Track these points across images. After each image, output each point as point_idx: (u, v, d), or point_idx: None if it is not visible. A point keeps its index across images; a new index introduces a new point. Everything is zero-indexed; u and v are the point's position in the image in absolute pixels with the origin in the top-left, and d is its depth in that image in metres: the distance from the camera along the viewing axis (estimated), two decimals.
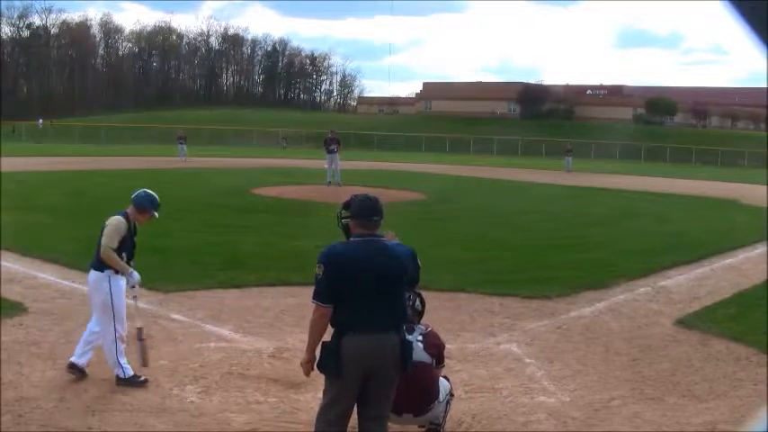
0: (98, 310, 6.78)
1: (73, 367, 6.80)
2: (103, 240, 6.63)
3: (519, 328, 9.06)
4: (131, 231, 6.84)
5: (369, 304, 4.61)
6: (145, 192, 6.93)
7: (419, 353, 5.52)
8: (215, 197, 23.01)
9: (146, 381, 6.74)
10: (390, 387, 4.79)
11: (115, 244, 6.64)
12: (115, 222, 6.70)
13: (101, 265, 6.69)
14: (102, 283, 6.69)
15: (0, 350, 7.45)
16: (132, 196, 6.91)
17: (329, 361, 4.61)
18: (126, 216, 6.79)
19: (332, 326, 4.71)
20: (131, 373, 6.74)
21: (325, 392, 4.83)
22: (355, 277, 4.60)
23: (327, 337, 4.74)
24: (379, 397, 4.77)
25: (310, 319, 4.78)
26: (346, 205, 4.89)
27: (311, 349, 4.76)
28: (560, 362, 7.80)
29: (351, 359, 4.56)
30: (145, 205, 6.86)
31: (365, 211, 4.75)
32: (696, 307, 10.28)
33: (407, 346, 4.84)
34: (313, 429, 4.89)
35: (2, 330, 8.10)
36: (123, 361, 6.73)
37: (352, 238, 4.80)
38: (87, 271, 6.90)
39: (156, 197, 6.96)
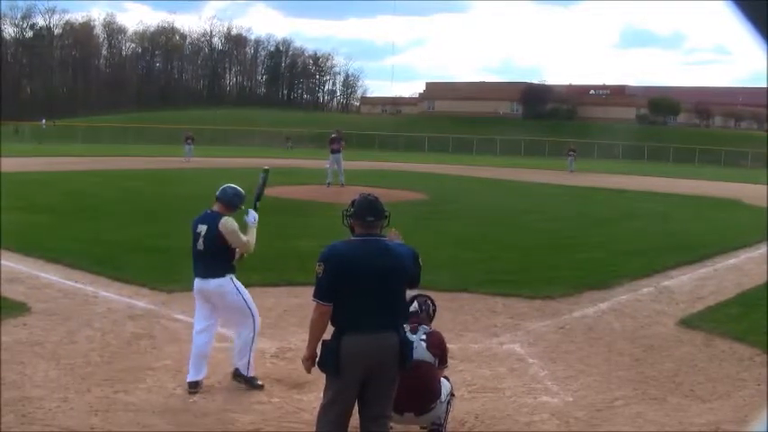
0: (233, 311, 6.88)
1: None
2: (243, 241, 6.72)
3: (522, 328, 9.06)
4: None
5: (369, 303, 4.63)
6: (232, 189, 6.90)
7: (422, 352, 5.54)
8: None
9: (262, 386, 6.73)
10: (391, 386, 4.81)
11: (243, 237, 6.77)
12: (231, 224, 6.67)
13: (221, 271, 6.73)
14: (228, 286, 6.76)
15: (2, 350, 7.46)
16: (218, 194, 6.84)
17: (329, 359, 4.64)
18: (227, 214, 6.77)
19: (332, 324, 4.74)
20: (253, 374, 6.77)
21: (325, 391, 4.85)
22: (355, 276, 4.63)
23: (328, 335, 4.77)
24: (380, 396, 4.78)
25: (311, 317, 4.80)
26: (352, 204, 4.91)
27: (312, 347, 4.80)
28: (563, 362, 7.80)
29: (350, 358, 4.59)
30: (235, 203, 6.86)
31: (361, 210, 4.79)
32: (699, 307, 10.27)
33: (407, 346, 4.85)
34: (315, 429, 4.90)
35: (6, 330, 8.11)
36: (253, 360, 6.76)
37: (352, 238, 4.84)
38: (204, 278, 6.78)
39: (242, 191, 6.95)
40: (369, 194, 4.99)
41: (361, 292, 4.63)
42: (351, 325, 4.64)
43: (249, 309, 6.85)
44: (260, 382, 6.77)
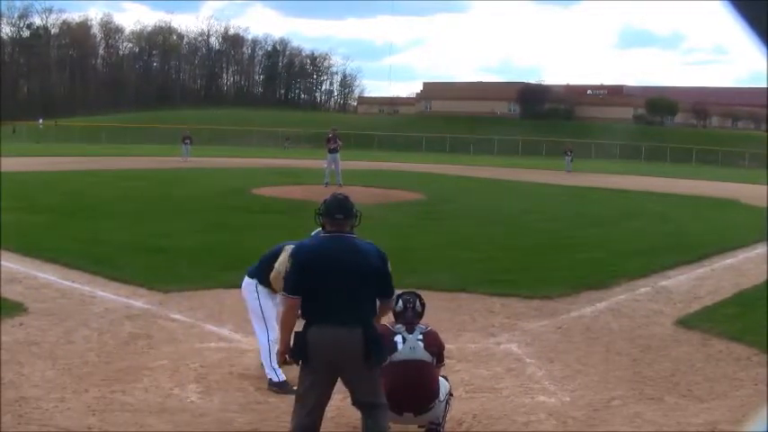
0: (250, 314, 7.08)
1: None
2: (278, 266, 6.74)
3: (519, 328, 9.05)
4: None
5: (333, 298, 4.81)
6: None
7: (420, 352, 5.56)
8: (215, 197, 23.03)
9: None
10: (364, 378, 4.91)
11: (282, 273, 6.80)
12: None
13: (253, 273, 7.00)
14: (251, 288, 6.97)
15: (0, 350, 7.45)
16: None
17: (298, 349, 4.88)
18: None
19: (302, 317, 4.96)
20: (284, 378, 6.75)
21: (299, 383, 5.04)
22: (320, 272, 4.84)
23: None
24: (359, 387, 4.96)
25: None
26: (323, 203, 5.11)
27: (284, 339, 5.06)
28: (561, 362, 7.80)
29: (315, 348, 4.79)
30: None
31: (329, 209, 5.01)
32: (696, 307, 10.28)
33: (373, 342, 4.88)
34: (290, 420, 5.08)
35: (3, 330, 8.09)
36: (276, 365, 6.68)
37: (321, 234, 5.10)
38: (246, 273, 7.17)
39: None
40: (339, 193, 5.21)
41: (326, 287, 4.82)
42: (316, 318, 4.85)
43: (263, 317, 6.88)
44: (295, 388, 6.69)
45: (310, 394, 4.91)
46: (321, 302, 4.83)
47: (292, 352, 4.95)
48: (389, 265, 5.04)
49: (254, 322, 7.00)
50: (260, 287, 6.95)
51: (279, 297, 6.86)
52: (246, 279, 7.10)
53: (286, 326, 5.01)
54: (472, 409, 6.36)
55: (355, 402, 5.09)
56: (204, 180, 29.83)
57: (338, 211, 4.98)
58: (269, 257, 6.97)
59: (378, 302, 5.06)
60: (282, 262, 6.73)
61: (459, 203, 24.06)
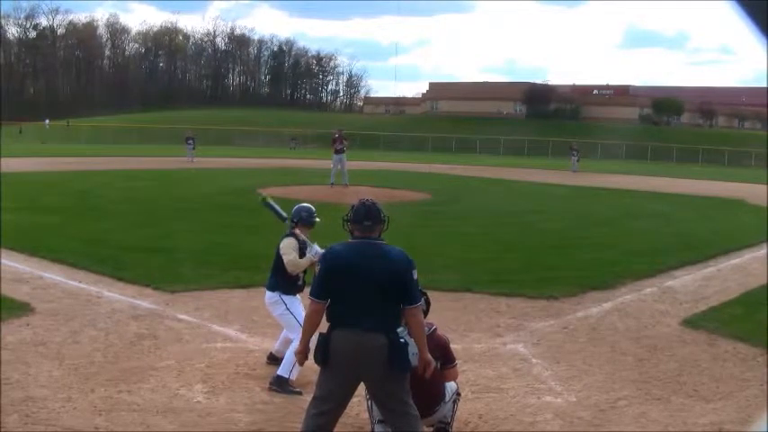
0: (284, 324, 7.19)
1: (272, 358, 7.31)
2: (287, 259, 6.98)
3: (525, 328, 9.05)
4: (302, 245, 7.13)
5: (357, 303, 4.83)
6: (298, 207, 7.33)
7: None
8: (220, 197, 23.05)
9: (300, 392, 6.65)
10: (386, 385, 4.91)
11: (295, 255, 7.02)
12: (286, 242, 7.08)
13: (273, 285, 7.13)
14: (274, 299, 7.12)
15: (6, 350, 7.46)
16: (293, 217, 7.26)
17: (319, 351, 4.91)
18: (294, 235, 7.15)
19: (326, 320, 4.98)
20: (294, 377, 6.76)
21: (316, 387, 5.06)
22: (346, 276, 4.86)
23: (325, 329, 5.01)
24: (382, 394, 4.97)
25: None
26: (352, 209, 5.10)
27: (304, 341, 5.12)
28: (567, 362, 7.79)
29: (337, 352, 4.82)
30: (309, 220, 7.26)
31: (357, 216, 5.04)
32: (702, 307, 10.26)
33: (397, 348, 4.85)
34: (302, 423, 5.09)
35: (10, 330, 8.12)
36: (296, 369, 6.71)
37: (350, 240, 5.07)
38: (266, 288, 7.29)
39: (311, 207, 7.38)
40: (367, 200, 5.18)
41: (351, 292, 4.84)
42: (339, 322, 4.88)
43: (299, 323, 6.75)
44: (298, 389, 6.69)
45: (327, 398, 4.92)
46: (345, 307, 4.85)
47: (314, 355, 4.97)
48: (416, 272, 4.99)
49: (292, 333, 6.87)
50: (284, 297, 7.05)
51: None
52: (268, 293, 7.16)
53: (308, 328, 5.06)
54: (478, 410, 6.36)
55: (381, 410, 5.14)
56: (210, 180, 29.86)
57: (366, 217, 4.99)
58: (276, 263, 7.09)
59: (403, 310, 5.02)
60: (286, 252, 6.97)
61: (465, 203, 24.05)
